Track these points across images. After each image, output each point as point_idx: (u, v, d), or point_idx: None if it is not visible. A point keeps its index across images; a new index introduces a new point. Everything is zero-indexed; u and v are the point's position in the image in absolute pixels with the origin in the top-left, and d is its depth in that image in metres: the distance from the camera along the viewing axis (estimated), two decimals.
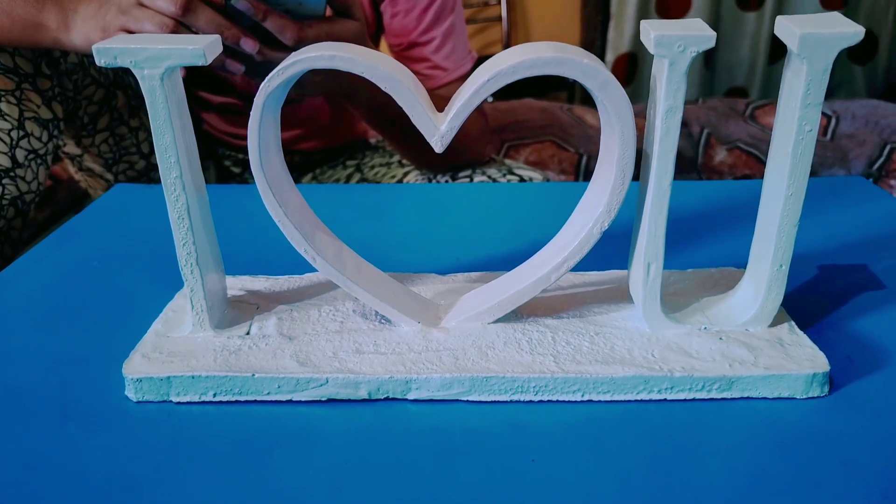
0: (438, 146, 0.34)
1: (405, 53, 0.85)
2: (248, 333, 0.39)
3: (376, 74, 0.32)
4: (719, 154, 1.08)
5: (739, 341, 0.37)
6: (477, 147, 0.86)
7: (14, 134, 0.64)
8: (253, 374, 0.35)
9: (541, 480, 0.31)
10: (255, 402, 0.36)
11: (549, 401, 0.35)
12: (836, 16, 0.33)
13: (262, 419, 0.35)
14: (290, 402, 0.36)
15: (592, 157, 1.10)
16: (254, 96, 0.33)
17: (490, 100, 1.96)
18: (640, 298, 0.38)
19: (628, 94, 0.33)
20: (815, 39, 0.31)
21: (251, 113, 0.33)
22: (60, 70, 0.70)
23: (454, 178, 0.89)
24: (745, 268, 0.42)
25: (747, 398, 0.35)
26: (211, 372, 0.35)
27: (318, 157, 0.96)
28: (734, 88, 2.05)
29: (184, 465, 0.32)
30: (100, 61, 0.32)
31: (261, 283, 0.44)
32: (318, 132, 0.93)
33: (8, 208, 0.64)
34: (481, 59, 0.85)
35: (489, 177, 0.86)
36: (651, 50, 0.32)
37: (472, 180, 0.87)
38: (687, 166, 1.09)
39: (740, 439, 0.33)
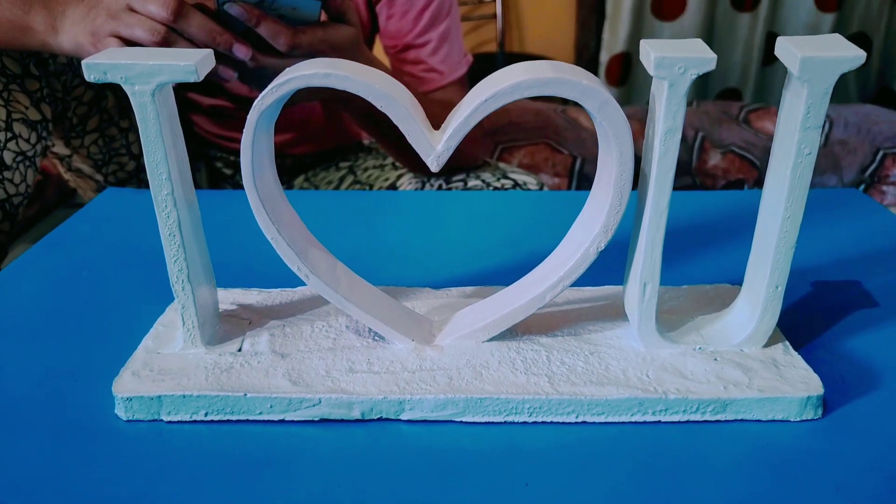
0: (434, 166, 0.33)
1: (400, 56, 0.84)
2: (239, 350, 0.38)
3: (372, 93, 0.32)
4: (713, 158, 1.08)
5: (734, 362, 0.37)
6: (471, 151, 0.86)
7: (1, 136, 0.63)
8: (245, 394, 0.35)
9: (534, 501, 0.31)
10: (248, 421, 0.35)
11: (543, 422, 0.35)
12: (836, 38, 0.33)
13: (254, 439, 0.35)
14: (282, 421, 0.35)
15: (586, 160, 1.09)
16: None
17: None
18: (635, 317, 0.37)
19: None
20: (816, 63, 0.31)
21: (244, 131, 0.33)
22: (49, 71, 0.69)
23: (448, 182, 0.88)
24: (740, 284, 0.42)
25: (741, 420, 0.35)
26: (203, 391, 0.35)
27: (311, 160, 0.95)
28: (727, 89, 2.05)
29: (174, 487, 0.32)
30: (89, 77, 0.31)
31: (253, 296, 0.43)
32: (311, 136, 0.92)
33: None
34: (476, 61, 0.84)
35: (483, 181, 0.85)
36: (651, 72, 0.32)
37: (465, 184, 0.87)
38: (681, 170, 1.09)
39: (734, 462, 0.33)
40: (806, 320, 0.43)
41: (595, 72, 1.82)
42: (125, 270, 0.50)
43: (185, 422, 0.35)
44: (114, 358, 0.39)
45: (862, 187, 1.05)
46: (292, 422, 0.35)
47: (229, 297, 0.43)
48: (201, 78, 0.32)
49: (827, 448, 0.34)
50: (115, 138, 0.81)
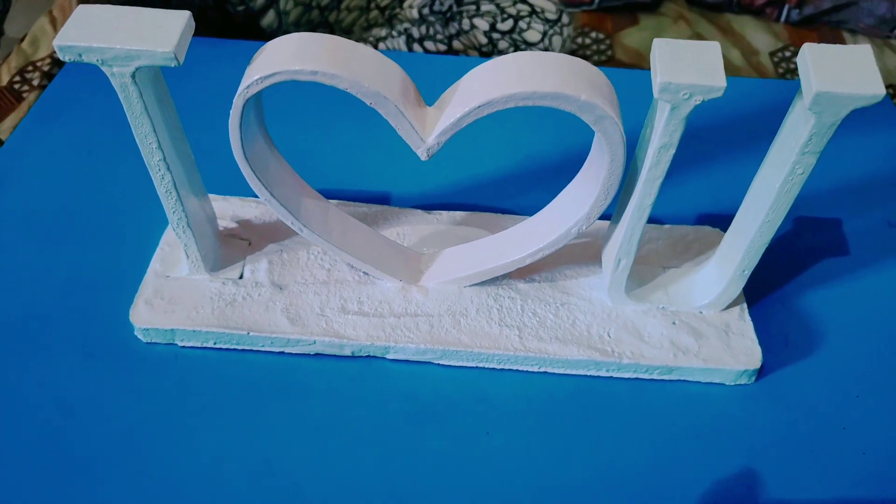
0: (424, 156, 0.33)
1: None
2: (241, 277, 0.42)
3: (361, 91, 0.31)
4: None
5: (690, 327, 0.40)
6: None
7: None
8: (248, 332, 0.39)
9: (492, 450, 0.37)
10: (252, 350, 0.40)
11: (510, 369, 0.40)
12: (864, 55, 0.30)
13: (256, 367, 0.40)
14: (282, 353, 0.40)
15: None
16: None
17: None
18: (606, 280, 0.40)
19: None
20: (829, 98, 0.29)
21: (231, 115, 0.32)
22: None
23: (459, 4, 0.82)
24: (720, 228, 0.44)
25: (684, 381, 0.40)
26: (210, 327, 0.39)
27: None
28: None
29: (186, 408, 0.38)
30: (64, 58, 0.30)
31: (251, 209, 0.45)
32: None
33: None
34: None
35: (497, 4, 0.80)
36: (655, 94, 0.30)
37: (478, 8, 0.81)
38: None
39: (669, 419, 0.39)
40: (774, 265, 0.45)
41: None
42: (125, 143, 0.51)
43: (197, 347, 0.40)
44: (127, 264, 0.43)
45: (891, 102, 0.96)
46: (291, 353, 0.40)
47: (228, 211, 0.45)
48: (182, 62, 0.30)
49: (748, 415, 0.39)
50: None
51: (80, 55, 0.30)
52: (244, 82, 0.31)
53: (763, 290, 0.44)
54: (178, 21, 0.30)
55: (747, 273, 0.39)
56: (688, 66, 0.29)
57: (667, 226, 0.46)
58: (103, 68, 0.30)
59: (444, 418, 0.38)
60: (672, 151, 0.32)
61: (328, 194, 0.48)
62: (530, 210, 0.47)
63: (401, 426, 0.38)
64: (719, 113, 0.57)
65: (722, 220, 0.47)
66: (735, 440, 0.38)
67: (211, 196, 0.45)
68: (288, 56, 0.30)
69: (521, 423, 0.38)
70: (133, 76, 0.31)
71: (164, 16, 0.31)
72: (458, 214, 0.46)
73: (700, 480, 0.36)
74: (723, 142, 0.54)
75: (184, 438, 0.37)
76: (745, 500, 0.36)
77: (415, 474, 0.36)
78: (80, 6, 0.31)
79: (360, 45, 0.31)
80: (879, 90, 0.29)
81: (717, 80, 0.29)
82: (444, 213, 0.46)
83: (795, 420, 0.39)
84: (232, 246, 0.43)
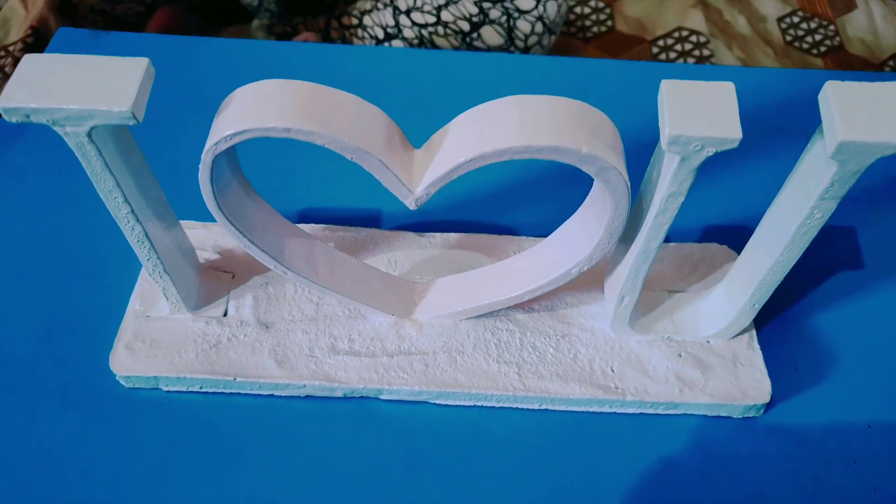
0: (413, 206, 0.31)
1: None
2: (225, 314, 0.40)
3: (341, 146, 0.28)
4: None
5: (696, 358, 0.39)
6: None
7: None
8: (234, 378, 0.38)
9: (492, 494, 0.36)
10: (239, 393, 0.39)
11: (509, 407, 0.39)
12: (893, 93, 0.27)
13: (245, 410, 0.38)
14: (271, 395, 0.39)
15: None
16: None
17: None
18: (609, 314, 0.38)
19: None
20: (856, 147, 0.27)
21: (200, 169, 0.29)
22: None
23: None
24: (728, 244, 0.42)
25: (689, 414, 0.39)
26: (195, 373, 0.37)
27: None
28: None
29: (172, 456, 0.37)
30: (10, 119, 0.27)
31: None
32: None
33: None
34: None
35: None
36: (663, 145, 0.27)
37: None
38: None
39: (674, 454, 0.38)
40: (782, 284, 0.43)
41: None
42: None
43: (182, 392, 0.39)
44: (105, 301, 0.41)
45: None
46: (280, 396, 0.39)
47: (209, 240, 0.43)
48: (140, 120, 0.27)
49: (755, 449, 0.38)
50: None
51: (28, 116, 0.27)
52: (212, 138, 0.28)
53: (771, 310, 0.42)
54: (136, 71, 0.27)
55: (758, 306, 0.37)
56: (699, 114, 0.27)
57: (672, 244, 0.44)
58: (55, 128, 0.28)
59: (440, 461, 0.37)
60: (681, 199, 0.30)
61: (313, 214, 0.46)
62: (528, 229, 0.45)
63: (396, 470, 0.37)
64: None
65: (730, 234, 0.45)
66: (742, 475, 0.37)
67: (191, 223, 0.43)
68: (259, 110, 0.28)
69: (521, 463, 0.37)
70: (89, 135, 0.28)
71: (121, 64, 0.28)
72: (453, 237, 0.44)
73: None
74: None
75: (170, 487, 0.35)
76: None
77: None
78: (27, 56, 0.28)
79: (338, 93, 0.28)
80: None
81: (731, 132, 0.26)
82: (438, 235, 0.44)
83: (804, 454, 0.38)
84: (214, 280, 0.41)
